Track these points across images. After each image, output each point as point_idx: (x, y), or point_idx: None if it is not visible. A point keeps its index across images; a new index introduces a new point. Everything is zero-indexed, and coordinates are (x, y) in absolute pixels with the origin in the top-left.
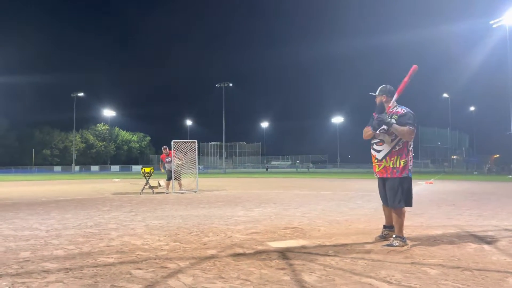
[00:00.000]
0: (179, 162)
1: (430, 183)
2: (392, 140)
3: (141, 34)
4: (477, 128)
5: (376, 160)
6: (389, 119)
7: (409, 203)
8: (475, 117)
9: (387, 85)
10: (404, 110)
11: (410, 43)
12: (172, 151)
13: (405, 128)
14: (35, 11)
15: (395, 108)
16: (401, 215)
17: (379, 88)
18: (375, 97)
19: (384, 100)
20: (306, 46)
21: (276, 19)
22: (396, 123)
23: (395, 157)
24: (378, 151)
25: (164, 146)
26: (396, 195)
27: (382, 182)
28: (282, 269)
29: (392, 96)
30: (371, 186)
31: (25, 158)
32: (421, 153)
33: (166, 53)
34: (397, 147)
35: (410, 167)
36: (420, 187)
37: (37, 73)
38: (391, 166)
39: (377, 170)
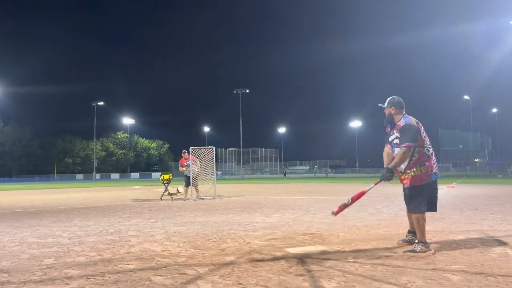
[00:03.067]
0: (197, 169)
1: (452, 187)
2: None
3: (159, 43)
4: (500, 130)
5: (400, 174)
6: (388, 174)
7: (433, 208)
8: (497, 119)
9: (396, 97)
10: (403, 123)
11: (429, 43)
12: (191, 156)
13: (399, 155)
14: (56, 24)
15: (401, 120)
16: (420, 220)
17: (388, 99)
18: (384, 108)
19: (393, 112)
20: (323, 49)
21: (292, 23)
22: (399, 140)
23: (416, 166)
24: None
25: (184, 151)
26: (416, 200)
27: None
28: (301, 275)
29: (401, 108)
30: (390, 191)
31: (48, 166)
32: (442, 157)
33: (183, 61)
34: (414, 158)
35: (435, 170)
36: (441, 191)
37: (58, 83)
38: (412, 174)
39: (404, 181)
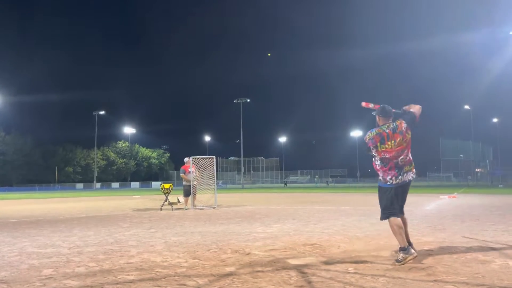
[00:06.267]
0: (195, 177)
1: (453, 197)
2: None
3: (160, 52)
4: (501, 139)
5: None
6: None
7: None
8: (498, 128)
9: (386, 106)
10: (403, 124)
11: (430, 52)
12: (191, 165)
13: (416, 106)
14: (58, 31)
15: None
16: (391, 226)
17: (381, 106)
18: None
19: (377, 119)
20: (324, 58)
21: (293, 32)
22: (404, 119)
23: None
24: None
25: (186, 158)
26: (380, 205)
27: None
28: (301, 286)
29: (386, 117)
30: None
31: (49, 175)
32: (443, 166)
33: (184, 70)
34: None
35: (388, 178)
36: (443, 201)
37: (60, 93)
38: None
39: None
